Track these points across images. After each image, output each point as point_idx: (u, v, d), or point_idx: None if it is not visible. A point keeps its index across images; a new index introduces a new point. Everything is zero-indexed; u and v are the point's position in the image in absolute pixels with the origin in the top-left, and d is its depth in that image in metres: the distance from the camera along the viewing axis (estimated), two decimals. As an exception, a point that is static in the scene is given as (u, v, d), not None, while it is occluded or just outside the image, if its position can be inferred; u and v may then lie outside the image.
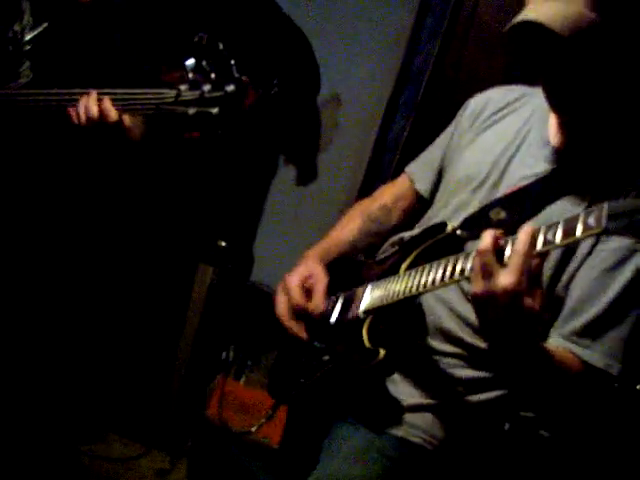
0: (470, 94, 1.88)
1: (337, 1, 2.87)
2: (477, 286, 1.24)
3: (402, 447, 1.59)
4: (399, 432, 1.61)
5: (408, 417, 1.61)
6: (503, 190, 1.60)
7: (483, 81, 2.77)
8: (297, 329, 1.72)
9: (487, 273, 1.22)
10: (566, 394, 1.46)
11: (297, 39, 2.77)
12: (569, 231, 1.13)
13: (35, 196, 2.33)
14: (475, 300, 1.27)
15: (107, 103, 1.88)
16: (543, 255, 1.20)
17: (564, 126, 1.57)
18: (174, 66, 2.02)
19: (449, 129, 1.87)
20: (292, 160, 3.02)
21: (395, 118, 2.89)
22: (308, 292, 1.73)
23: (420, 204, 1.89)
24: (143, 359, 2.84)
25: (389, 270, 1.62)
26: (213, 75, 1.84)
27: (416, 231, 1.73)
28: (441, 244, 1.57)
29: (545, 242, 1.18)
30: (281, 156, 3.01)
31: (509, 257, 1.21)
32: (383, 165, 2.94)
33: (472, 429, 1.61)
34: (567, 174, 1.52)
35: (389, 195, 1.94)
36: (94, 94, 1.89)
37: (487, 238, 1.24)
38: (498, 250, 1.23)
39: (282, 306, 1.75)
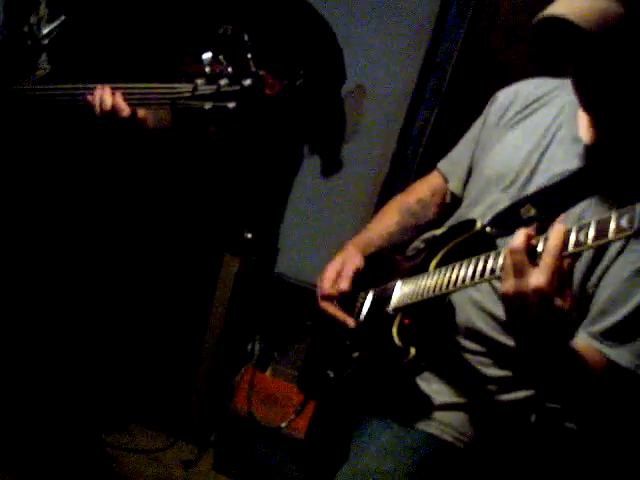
0: (496, 83, 1.86)
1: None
2: (507, 285, 1.23)
3: (433, 444, 1.59)
4: (430, 429, 1.61)
5: (439, 415, 1.61)
6: (533, 188, 1.58)
7: (509, 70, 2.77)
8: (340, 315, 1.72)
9: (518, 272, 1.21)
10: (591, 392, 1.44)
11: (322, 30, 2.76)
12: (601, 232, 1.11)
13: (58, 189, 2.34)
14: (505, 299, 1.26)
15: (119, 98, 1.89)
16: (575, 255, 1.18)
17: (595, 122, 1.55)
18: (197, 58, 2.03)
19: (477, 124, 1.85)
20: (317, 151, 3.01)
21: (420, 109, 2.87)
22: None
23: (452, 201, 1.88)
24: (169, 351, 2.85)
25: (419, 267, 1.62)
26: (230, 69, 1.84)
27: (446, 228, 1.72)
28: (470, 241, 1.56)
29: (577, 243, 1.16)
30: (306, 147, 3.01)
31: (541, 256, 1.19)
32: (408, 156, 2.93)
33: (501, 426, 1.61)
34: (598, 171, 1.50)
35: (425, 189, 1.93)
36: (108, 88, 1.90)
37: (520, 237, 1.23)
38: (530, 249, 1.22)
39: (322, 295, 1.76)
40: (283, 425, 2.20)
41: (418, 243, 1.82)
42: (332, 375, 1.70)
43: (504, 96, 1.78)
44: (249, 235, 2.74)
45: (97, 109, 1.91)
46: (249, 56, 1.85)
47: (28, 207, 2.34)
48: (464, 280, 1.40)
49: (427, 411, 1.61)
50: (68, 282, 2.47)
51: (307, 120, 2.90)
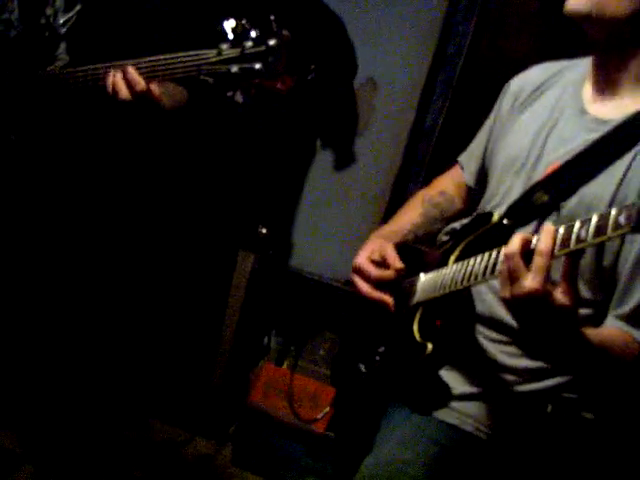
0: (506, 74, 1.85)
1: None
2: (505, 291, 1.24)
3: (454, 434, 1.59)
4: (451, 419, 1.61)
5: (459, 405, 1.61)
6: (543, 167, 1.56)
7: (520, 61, 2.75)
8: (387, 298, 1.70)
9: (515, 277, 1.21)
10: (621, 375, 1.43)
11: (333, 24, 2.76)
12: (600, 229, 1.10)
13: (75, 178, 2.36)
14: (505, 303, 1.27)
15: (131, 74, 1.89)
16: (576, 252, 1.17)
17: (601, 92, 1.54)
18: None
19: (491, 114, 1.83)
20: (329, 145, 3.02)
21: (432, 101, 2.87)
22: (379, 264, 1.72)
23: (473, 192, 1.87)
24: (186, 346, 2.87)
25: (441, 261, 1.61)
26: (253, 33, 1.84)
27: (466, 221, 1.71)
28: (489, 234, 1.54)
29: (578, 240, 1.14)
30: (319, 141, 3.01)
31: (533, 259, 1.19)
32: (420, 149, 2.93)
33: (521, 416, 1.60)
34: (609, 145, 1.48)
35: (447, 183, 1.92)
36: (119, 69, 1.90)
37: (515, 242, 1.23)
38: (526, 252, 1.22)
39: (361, 284, 1.73)
40: (319, 417, 2.22)
41: (442, 235, 1.82)
42: (363, 369, 1.71)
43: (515, 84, 1.77)
44: (264, 230, 2.75)
45: (109, 89, 1.92)
46: (272, 17, 1.85)
47: (50, 195, 2.35)
48: (477, 277, 1.40)
49: (447, 401, 1.61)
50: (87, 277, 2.49)
51: (319, 114, 2.90)
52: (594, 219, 1.11)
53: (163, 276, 2.79)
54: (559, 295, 1.20)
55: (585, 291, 1.48)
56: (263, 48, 1.82)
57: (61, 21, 2.18)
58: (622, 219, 1.06)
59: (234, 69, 1.83)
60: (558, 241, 1.18)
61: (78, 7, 2.19)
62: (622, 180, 1.43)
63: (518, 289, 1.21)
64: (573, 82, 1.61)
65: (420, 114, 2.91)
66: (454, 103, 2.86)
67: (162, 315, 2.83)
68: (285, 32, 1.84)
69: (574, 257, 1.18)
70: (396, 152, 2.97)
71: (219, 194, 2.78)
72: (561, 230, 1.18)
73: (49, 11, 2.20)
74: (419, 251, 1.79)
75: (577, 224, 1.15)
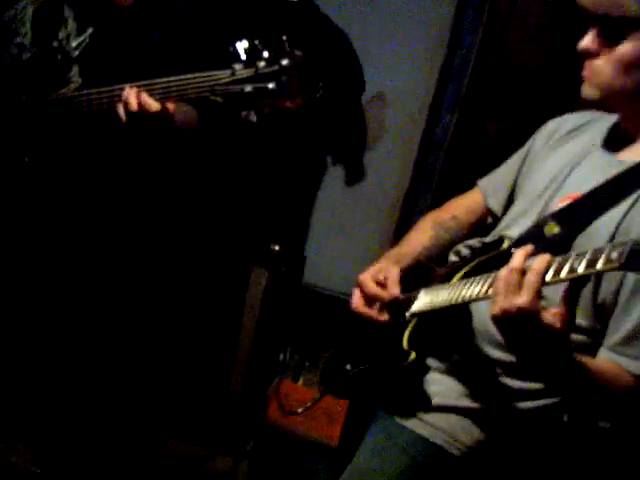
0: (514, 85, 1.87)
1: (377, 1, 2.88)
2: (495, 307, 1.26)
3: (424, 446, 1.60)
4: (420, 430, 1.62)
5: (434, 417, 1.62)
6: (557, 202, 1.59)
7: (526, 70, 2.77)
8: (373, 313, 1.73)
9: (507, 293, 1.24)
10: (613, 406, 1.45)
11: (339, 41, 2.78)
12: (592, 263, 1.12)
13: (88, 196, 2.37)
14: (495, 320, 1.29)
15: (144, 96, 1.92)
16: (578, 280, 1.19)
17: (623, 139, 1.58)
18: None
19: (524, 148, 1.86)
20: (340, 161, 3.03)
21: (441, 114, 2.89)
22: (381, 285, 1.75)
23: (491, 219, 1.89)
24: (202, 364, 2.88)
25: (445, 278, 1.64)
26: (266, 53, 1.86)
27: (478, 244, 1.75)
28: (496, 260, 1.56)
29: (571, 269, 1.17)
30: (329, 157, 3.03)
31: (525, 277, 1.22)
32: (430, 162, 2.94)
33: (509, 433, 1.60)
34: (619, 184, 1.51)
35: (461, 207, 1.94)
36: (133, 89, 1.92)
37: (518, 256, 1.26)
38: (524, 271, 1.25)
39: (356, 298, 1.78)
40: (299, 410, 2.23)
41: (452, 255, 1.84)
42: (349, 368, 1.74)
43: (552, 123, 1.81)
44: (276, 247, 2.76)
45: (122, 112, 1.95)
46: (284, 38, 1.87)
47: (64, 216, 2.38)
48: (470, 297, 1.43)
49: (422, 412, 1.63)
50: (106, 297, 2.51)
51: (329, 130, 2.92)
52: (589, 253, 1.14)
53: (178, 295, 2.80)
54: (550, 317, 1.22)
55: (582, 319, 1.49)
56: (276, 68, 1.84)
57: (74, 45, 2.21)
58: (614, 255, 1.08)
59: (248, 89, 1.85)
60: (552, 269, 1.20)
61: (90, 30, 2.22)
62: (625, 216, 1.46)
63: (509, 304, 1.23)
64: (603, 128, 1.65)
65: (430, 126, 2.92)
66: (463, 115, 2.87)
67: (179, 334, 2.85)
68: (297, 52, 1.86)
69: (575, 284, 1.21)
70: (406, 165, 2.98)
71: (231, 212, 2.79)
72: (558, 259, 1.20)
73: (61, 34, 2.23)
74: (428, 267, 1.81)
75: (573, 255, 1.18)
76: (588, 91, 1.54)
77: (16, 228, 2.35)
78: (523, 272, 1.24)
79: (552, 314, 1.23)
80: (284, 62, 1.84)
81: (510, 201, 1.83)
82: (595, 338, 1.50)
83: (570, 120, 1.78)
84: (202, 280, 2.81)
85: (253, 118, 2.00)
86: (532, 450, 1.61)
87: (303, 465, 2.70)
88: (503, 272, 1.27)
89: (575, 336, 1.47)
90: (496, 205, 1.87)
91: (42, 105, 2.14)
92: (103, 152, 2.31)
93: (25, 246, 2.39)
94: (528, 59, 2.76)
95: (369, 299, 1.76)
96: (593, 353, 1.48)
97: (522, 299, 1.22)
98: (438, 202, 2.04)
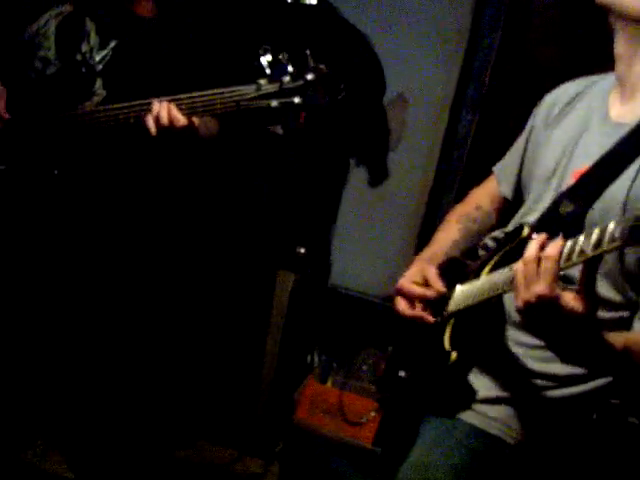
0: (534, 84, 1.86)
1: (396, 2, 2.89)
2: (517, 300, 1.28)
3: (480, 437, 1.61)
4: (476, 421, 1.62)
5: (485, 408, 1.62)
6: (569, 180, 1.58)
7: (546, 68, 2.76)
8: (422, 313, 1.74)
9: (527, 284, 1.25)
10: None
11: (359, 43, 2.79)
12: (599, 242, 1.13)
13: (115, 204, 2.41)
14: (519, 313, 1.31)
15: (174, 110, 1.94)
16: (592, 260, 1.19)
17: (622, 97, 1.56)
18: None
19: (526, 128, 1.85)
20: (363, 162, 3.04)
21: (462, 112, 2.89)
22: (421, 286, 1.77)
23: (509, 204, 1.89)
24: (231, 367, 2.90)
25: (475, 273, 1.65)
26: (290, 67, 1.88)
27: (501, 234, 1.74)
28: (519, 247, 1.55)
29: (581, 252, 1.18)
30: (352, 159, 3.04)
31: (541, 264, 1.23)
32: (453, 161, 2.94)
33: (557, 422, 1.60)
34: (622, 149, 1.50)
35: (482, 196, 1.94)
36: (164, 103, 1.96)
37: (533, 246, 1.27)
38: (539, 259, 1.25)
39: (400, 303, 1.78)
40: (363, 420, 2.25)
41: (481, 248, 1.84)
42: (402, 375, 1.76)
43: (548, 98, 1.80)
44: (302, 250, 2.78)
45: (152, 126, 1.97)
46: (308, 52, 1.89)
47: (90, 224, 2.41)
48: (498, 288, 1.45)
49: (474, 405, 1.63)
50: (138, 304, 2.54)
51: (352, 132, 2.93)
52: (595, 232, 1.14)
53: (208, 300, 2.83)
54: (571, 300, 1.23)
55: (615, 294, 1.49)
56: (301, 83, 1.86)
57: (97, 58, 2.24)
58: (617, 233, 1.08)
59: (274, 103, 1.88)
60: (564, 254, 1.21)
61: (113, 43, 2.25)
62: (634, 180, 1.45)
63: (528, 294, 1.24)
64: (601, 92, 1.64)
65: (451, 125, 2.92)
66: (484, 114, 2.87)
67: (207, 339, 2.87)
68: (322, 66, 1.88)
69: (590, 264, 1.20)
70: (429, 165, 2.98)
71: (256, 217, 2.81)
72: (569, 243, 1.21)
73: (85, 48, 2.26)
74: (461, 263, 1.81)
75: (582, 237, 1.18)
76: None
77: (40, 235, 2.38)
78: (539, 260, 1.24)
79: (572, 297, 1.23)
80: (309, 76, 1.88)
81: (519, 185, 1.83)
82: (631, 310, 1.50)
83: (565, 90, 1.76)
84: (231, 285, 2.83)
85: (279, 131, 2.02)
86: (566, 443, 1.62)
87: (333, 466, 2.71)
88: (520, 264, 1.28)
89: (611, 313, 1.48)
90: (507, 190, 1.87)
91: (69, 119, 2.17)
92: (128, 162, 2.34)
93: (49, 252, 2.42)
94: (548, 58, 2.75)
95: (412, 301, 1.76)
96: (629, 327, 1.48)
97: (540, 287, 1.23)
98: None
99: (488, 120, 2.86)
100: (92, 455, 2.68)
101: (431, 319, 1.71)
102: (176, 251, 2.63)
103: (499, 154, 1.93)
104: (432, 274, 1.75)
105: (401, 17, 2.88)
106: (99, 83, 2.24)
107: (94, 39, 2.26)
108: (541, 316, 1.27)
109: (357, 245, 3.09)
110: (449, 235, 1.90)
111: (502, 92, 2.84)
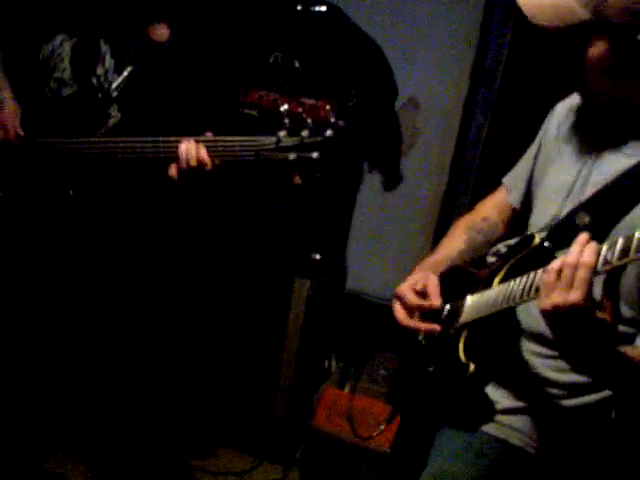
0: (544, 83, 1.85)
1: (405, 7, 2.89)
2: (545, 302, 1.26)
3: (502, 448, 1.60)
4: (497, 432, 1.62)
5: (506, 419, 1.62)
6: (590, 191, 1.56)
7: (556, 69, 2.75)
8: (419, 325, 1.74)
9: (563, 288, 1.23)
10: None
11: (369, 49, 2.80)
12: (624, 252, 1.13)
13: (130, 223, 2.42)
14: (544, 315, 1.29)
15: (204, 152, 1.96)
16: (614, 271, 1.19)
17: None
18: (252, 87, 2.07)
19: (537, 139, 1.84)
20: (376, 167, 3.04)
21: (474, 116, 2.89)
22: (421, 294, 1.76)
23: (517, 215, 1.88)
24: (248, 374, 2.91)
25: (486, 282, 1.64)
26: (310, 120, 1.89)
27: (512, 242, 1.74)
28: (531, 256, 1.56)
29: (605, 262, 1.18)
30: (365, 164, 3.04)
31: (576, 273, 1.22)
32: (466, 165, 2.94)
33: (577, 430, 1.60)
34: None
35: (490, 207, 1.93)
36: (193, 142, 1.97)
37: (574, 251, 1.25)
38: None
39: (398, 311, 1.78)
40: (375, 434, 2.24)
41: (489, 257, 1.83)
42: (415, 386, 1.76)
43: (561, 107, 1.78)
44: (317, 256, 2.78)
45: (183, 164, 1.98)
46: (328, 107, 1.90)
47: (107, 244, 2.43)
48: (515, 298, 1.44)
49: (494, 415, 1.63)
50: (156, 312, 2.55)
51: (364, 138, 2.93)
52: (620, 242, 1.14)
53: (226, 308, 2.84)
54: (599, 311, 1.22)
55: (627, 310, 1.48)
56: (320, 139, 1.87)
57: (114, 85, 2.25)
58: None
59: (292, 157, 1.89)
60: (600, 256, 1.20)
61: (129, 69, 2.26)
62: None
63: (561, 300, 1.23)
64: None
65: (463, 129, 2.92)
66: (496, 115, 2.87)
67: (226, 345, 2.88)
68: (341, 122, 1.90)
69: (613, 275, 1.20)
70: (442, 168, 2.99)
71: (275, 225, 2.82)
72: (604, 247, 1.20)
73: (99, 70, 2.27)
74: (468, 273, 1.80)
75: (605, 247, 1.18)
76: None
77: (52, 252, 2.40)
78: (576, 267, 1.23)
79: (601, 308, 1.22)
80: (328, 133, 1.88)
81: (529, 195, 1.82)
82: (637, 328, 1.50)
83: (576, 100, 1.74)
84: (249, 293, 2.84)
85: (298, 181, 2.03)
86: (587, 446, 1.61)
87: (352, 471, 2.71)
88: (554, 266, 1.26)
89: (620, 327, 1.47)
90: (515, 201, 1.87)
91: (88, 146, 2.17)
92: (145, 184, 2.35)
93: (62, 270, 2.44)
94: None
95: (411, 310, 1.76)
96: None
97: (575, 296, 1.21)
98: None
99: (500, 122, 2.86)
100: (111, 463, 2.70)
101: (424, 329, 1.72)
102: (196, 260, 2.64)
103: (512, 156, 1.92)
104: (433, 285, 1.74)
105: (410, 21, 2.88)
106: (114, 106, 2.26)
107: (109, 62, 2.28)
108: (568, 323, 1.26)
109: (372, 250, 3.10)
110: (454, 245, 1.89)
111: (514, 94, 2.84)
